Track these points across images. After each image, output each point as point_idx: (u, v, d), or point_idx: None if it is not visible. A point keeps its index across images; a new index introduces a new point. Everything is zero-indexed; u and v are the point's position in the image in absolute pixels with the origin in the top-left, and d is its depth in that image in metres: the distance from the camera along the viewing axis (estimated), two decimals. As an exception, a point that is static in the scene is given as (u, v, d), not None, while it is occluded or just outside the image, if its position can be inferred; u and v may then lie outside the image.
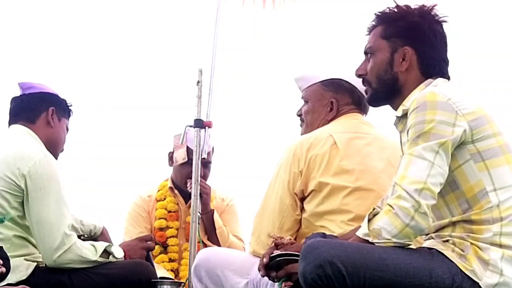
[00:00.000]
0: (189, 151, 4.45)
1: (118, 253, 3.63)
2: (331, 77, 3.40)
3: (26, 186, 3.41)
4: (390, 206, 2.58)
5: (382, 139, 3.33)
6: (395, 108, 2.91)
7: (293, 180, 3.21)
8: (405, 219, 2.56)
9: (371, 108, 3.45)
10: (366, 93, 2.99)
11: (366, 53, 2.96)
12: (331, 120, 3.37)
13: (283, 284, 2.84)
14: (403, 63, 2.87)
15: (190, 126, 4.15)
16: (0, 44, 6.08)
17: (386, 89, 2.90)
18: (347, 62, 3.45)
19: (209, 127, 4.14)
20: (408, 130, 2.69)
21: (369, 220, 2.66)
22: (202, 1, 4.82)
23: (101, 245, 3.58)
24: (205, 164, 4.41)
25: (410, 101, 2.77)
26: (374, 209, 2.71)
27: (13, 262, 3.18)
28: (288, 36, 5.85)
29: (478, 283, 2.58)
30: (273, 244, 3.07)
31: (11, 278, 3.20)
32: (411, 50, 2.86)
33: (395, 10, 2.92)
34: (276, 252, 2.94)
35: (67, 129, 3.77)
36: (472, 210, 2.66)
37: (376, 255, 2.57)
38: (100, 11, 6.15)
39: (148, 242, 3.85)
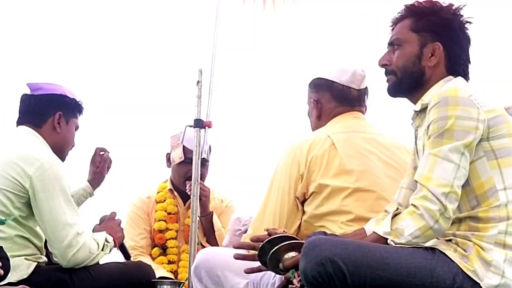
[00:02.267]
0: (185, 150, 4.45)
1: (109, 238, 3.65)
2: (312, 78, 3.42)
3: (33, 187, 3.41)
4: (415, 206, 2.58)
5: (382, 138, 3.32)
6: (414, 102, 2.90)
7: (294, 184, 3.19)
8: (430, 221, 2.56)
9: (370, 108, 3.45)
10: (388, 82, 2.95)
11: (391, 44, 2.93)
12: (320, 119, 3.38)
13: (295, 274, 2.80)
14: (432, 58, 2.86)
15: (190, 126, 4.15)
16: (3, 44, 6.08)
17: (411, 81, 2.88)
18: (347, 62, 3.46)
19: (209, 127, 4.13)
20: (429, 126, 2.68)
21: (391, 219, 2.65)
22: (202, 1, 4.81)
23: (100, 238, 3.59)
24: (202, 163, 4.40)
25: (429, 96, 2.78)
26: (397, 209, 2.70)
27: (14, 261, 3.19)
28: (288, 37, 5.84)
29: (479, 284, 2.57)
30: (267, 234, 3.04)
31: (12, 277, 3.20)
32: (441, 46, 2.86)
33: (428, 4, 2.90)
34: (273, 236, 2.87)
35: (77, 128, 3.76)
36: (480, 207, 2.66)
37: (377, 254, 2.56)
38: (100, 11, 6.15)
39: (117, 218, 3.84)
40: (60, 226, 3.42)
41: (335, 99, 3.35)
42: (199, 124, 4.12)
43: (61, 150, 3.65)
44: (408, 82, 2.89)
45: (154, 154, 5.06)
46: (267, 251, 2.82)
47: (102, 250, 3.58)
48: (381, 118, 3.52)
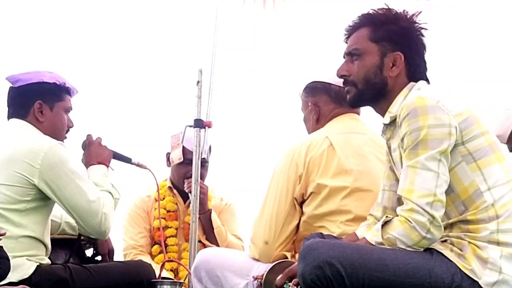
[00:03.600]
0: (185, 151, 4.46)
1: (103, 169, 3.69)
2: (306, 83, 3.42)
3: (44, 180, 3.38)
4: (405, 218, 2.59)
5: (379, 139, 3.32)
6: (378, 111, 2.90)
7: (292, 186, 3.21)
8: (422, 232, 2.58)
9: (368, 108, 3.45)
10: (348, 94, 2.92)
11: (350, 54, 2.90)
12: (318, 122, 3.38)
13: (290, 285, 2.84)
14: (393, 68, 2.84)
15: (190, 126, 4.15)
16: (3, 42, 6.08)
17: (373, 92, 2.87)
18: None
19: (209, 127, 4.14)
20: (402, 139, 2.68)
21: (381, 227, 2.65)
22: (202, 1, 4.82)
23: (105, 184, 3.62)
24: (202, 163, 4.40)
25: (396, 107, 2.78)
26: (386, 216, 2.69)
27: (15, 261, 3.17)
28: (288, 36, 5.84)
29: (477, 282, 2.59)
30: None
31: (13, 277, 3.19)
32: (402, 55, 2.84)
33: (384, 13, 2.88)
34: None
35: (68, 110, 3.67)
36: (468, 211, 2.67)
37: (375, 256, 2.57)
38: (100, 11, 6.15)
39: (96, 139, 3.79)
40: (86, 208, 3.43)
41: (333, 100, 3.36)
42: (199, 124, 4.12)
43: (52, 136, 3.56)
44: (370, 93, 2.87)
45: (154, 154, 5.06)
46: None
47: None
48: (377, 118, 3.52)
